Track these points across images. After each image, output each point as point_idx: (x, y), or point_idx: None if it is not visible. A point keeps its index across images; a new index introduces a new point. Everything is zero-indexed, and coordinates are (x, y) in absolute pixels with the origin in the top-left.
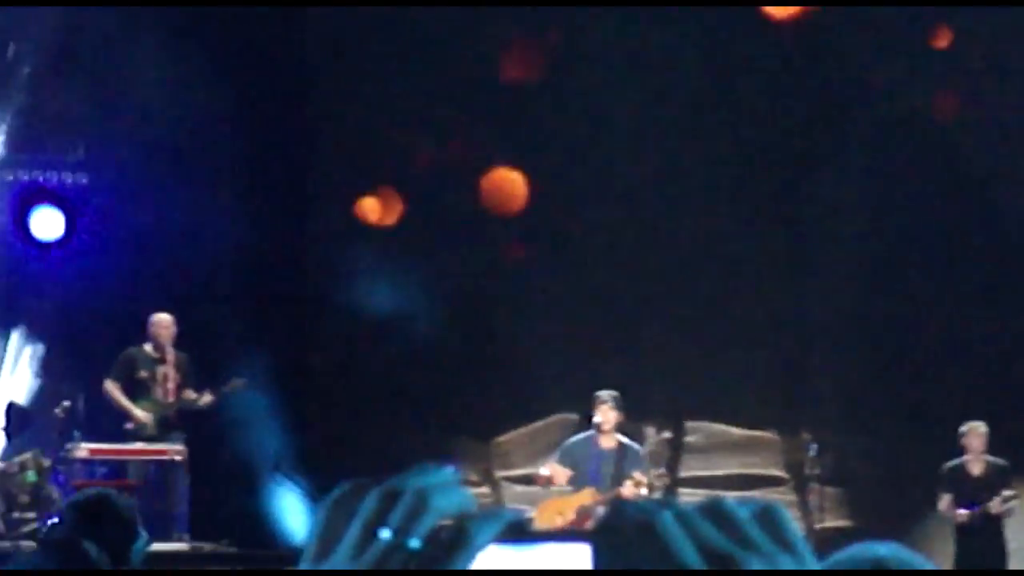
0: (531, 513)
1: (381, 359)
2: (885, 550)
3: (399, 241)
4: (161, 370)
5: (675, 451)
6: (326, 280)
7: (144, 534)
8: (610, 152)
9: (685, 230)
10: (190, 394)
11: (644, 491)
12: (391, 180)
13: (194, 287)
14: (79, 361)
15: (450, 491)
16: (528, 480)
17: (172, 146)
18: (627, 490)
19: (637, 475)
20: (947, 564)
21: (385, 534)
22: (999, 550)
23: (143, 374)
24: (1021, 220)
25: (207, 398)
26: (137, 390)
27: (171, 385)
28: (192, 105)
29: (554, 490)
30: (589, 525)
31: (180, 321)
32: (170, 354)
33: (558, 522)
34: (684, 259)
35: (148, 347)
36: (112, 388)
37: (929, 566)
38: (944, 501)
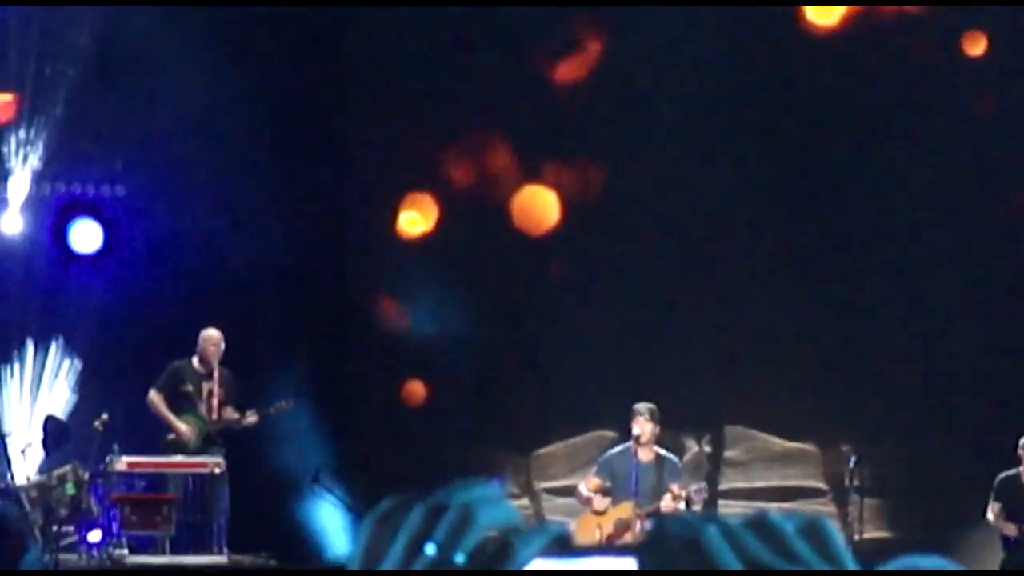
0: (570, 526)
1: (421, 371)
2: (928, 564)
3: (438, 253)
4: (207, 386)
5: (714, 463)
6: (366, 292)
7: (35, 547)
8: (653, 159)
9: (724, 243)
10: (232, 413)
11: (683, 505)
12: (429, 189)
13: (233, 299)
14: (117, 374)
15: (496, 506)
16: (568, 492)
17: (209, 158)
18: (666, 504)
19: (676, 488)
20: None
21: (431, 549)
22: None
23: (188, 388)
24: None
25: (251, 418)
26: (182, 404)
27: (215, 401)
28: (229, 116)
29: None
30: (628, 538)
31: (224, 332)
32: (216, 370)
33: (596, 536)
34: (724, 271)
35: (195, 361)
36: (157, 399)
37: None
38: (994, 511)
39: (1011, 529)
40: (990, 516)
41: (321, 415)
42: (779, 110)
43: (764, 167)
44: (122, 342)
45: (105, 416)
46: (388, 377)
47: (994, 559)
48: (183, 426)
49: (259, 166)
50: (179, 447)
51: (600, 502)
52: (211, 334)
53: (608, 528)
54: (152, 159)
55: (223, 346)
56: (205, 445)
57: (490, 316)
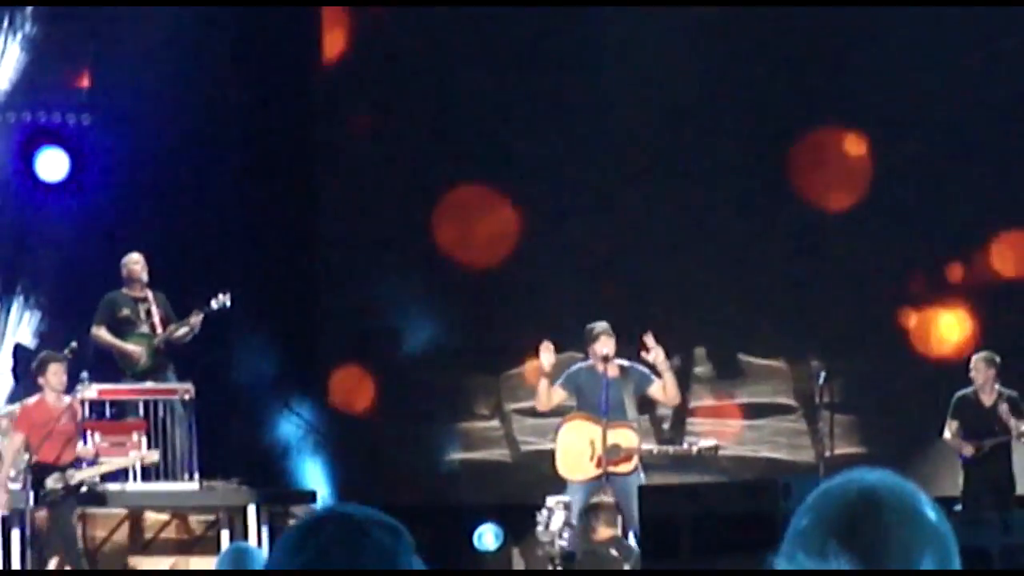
0: (554, 445)
1: (392, 293)
2: (874, 476)
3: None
4: (143, 307)
5: (685, 381)
6: (335, 204)
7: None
8: (617, 72)
9: (693, 161)
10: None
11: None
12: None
13: (198, 227)
14: (85, 302)
15: None
16: (537, 412)
17: (176, 84)
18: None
19: (652, 390)
20: (955, 491)
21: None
22: (1007, 478)
23: (126, 312)
24: None
25: (194, 319)
26: (124, 329)
27: (155, 320)
28: (195, 43)
29: (568, 428)
30: (625, 468)
31: (186, 260)
32: (148, 292)
33: (589, 455)
34: (690, 188)
35: (124, 289)
36: (99, 332)
37: (920, 495)
38: (951, 429)
39: (967, 448)
40: (947, 435)
41: (285, 337)
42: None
43: (731, 75)
44: (90, 270)
45: (74, 344)
46: (354, 298)
47: (954, 473)
48: (129, 346)
49: (225, 92)
50: (132, 369)
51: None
52: (132, 257)
53: (600, 452)
54: (117, 87)
55: (146, 267)
56: (156, 363)
57: (461, 238)
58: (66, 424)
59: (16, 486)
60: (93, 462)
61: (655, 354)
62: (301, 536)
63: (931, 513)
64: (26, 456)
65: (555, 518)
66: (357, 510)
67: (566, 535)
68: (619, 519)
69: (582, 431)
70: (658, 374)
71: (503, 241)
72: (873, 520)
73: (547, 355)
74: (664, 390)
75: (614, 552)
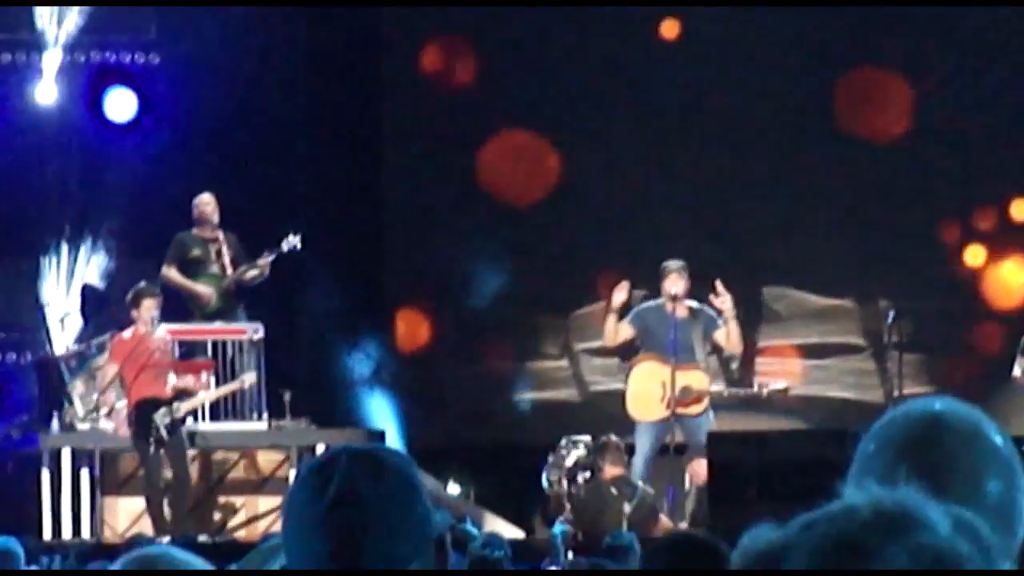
0: (624, 386)
1: (460, 232)
2: (941, 404)
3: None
4: (213, 248)
5: (754, 321)
6: (400, 149)
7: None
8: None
9: (757, 96)
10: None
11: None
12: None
13: (266, 169)
14: (153, 241)
15: None
16: (605, 352)
17: (242, 24)
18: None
19: (717, 335)
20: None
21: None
22: None
23: (196, 253)
24: None
25: (264, 260)
26: (195, 270)
27: (226, 260)
28: None
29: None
30: (696, 409)
31: (255, 202)
32: (219, 232)
33: (661, 395)
34: (757, 127)
35: (195, 230)
36: (169, 272)
37: (984, 419)
38: (1021, 366)
39: None
40: (1017, 372)
41: (353, 278)
42: None
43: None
44: (157, 210)
45: (143, 283)
46: (420, 238)
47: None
48: (200, 287)
49: (294, 32)
50: (201, 309)
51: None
52: (203, 198)
53: (671, 393)
54: (187, 27)
55: (217, 208)
56: (226, 304)
57: (523, 179)
58: (160, 358)
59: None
60: (187, 396)
61: (723, 300)
62: (322, 473)
63: (996, 437)
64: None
65: (570, 456)
66: (361, 445)
67: (580, 475)
68: (626, 458)
69: (653, 372)
70: (724, 320)
71: (568, 182)
72: (938, 442)
73: (620, 294)
74: (728, 337)
75: (614, 491)
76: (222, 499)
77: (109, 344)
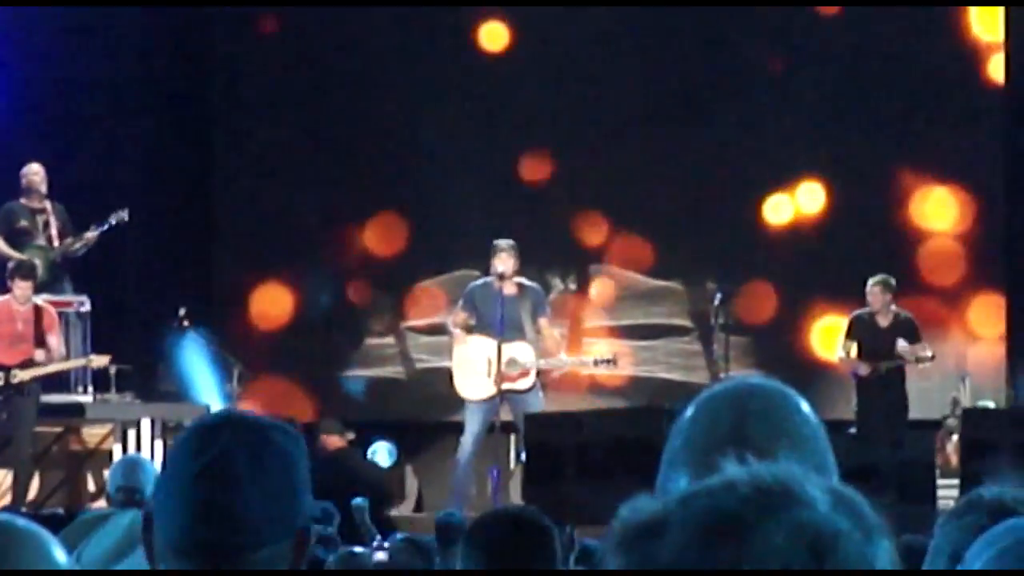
0: (450, 363)
1: (287, 207)
2: (756, 380)
3: (300, 83)
4: (40, 219)
5: (580, 301)
6: (230, 123)
7: None
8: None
9: (599, 82)
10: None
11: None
12: None
13: (89, 137)
14: None
15: None
16: (433, 330)
17: None
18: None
19: (542, 322)
20: (849, 415)
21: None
22: (900, 401)
23: (23, 223)
24: None
25: (91, 233)
26: (21, 240)
27: (53, 231)
28: None
29: (468, 339)
30: (522, 384)
31: (83, 173)
32: (47, 203)
33: (484, 368)
34: (592, 108)
35: (23, 199)
36: None
37: (792, 395)
38: (846, 348)
39: (863, 368)
40: (841, 353)
41: (181, 252)
42: None
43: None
44: None
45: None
46: (250, 214)
47: (848, 396)
48: (25, 257)
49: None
50: None
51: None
52: (31, 167)
53: (497, 367)
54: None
55: (45, 177)
56: (52, 275)
57: (356, 156)
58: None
59: None
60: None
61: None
62: (200, 438)
63: (801, 410)
64: None
65: None
66: (252, 415)
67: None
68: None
69: (478, 347)
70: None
71: (406, 158)
72: (746, 415)
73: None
74: (546, 331)
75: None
76: (46, 473)
77: None
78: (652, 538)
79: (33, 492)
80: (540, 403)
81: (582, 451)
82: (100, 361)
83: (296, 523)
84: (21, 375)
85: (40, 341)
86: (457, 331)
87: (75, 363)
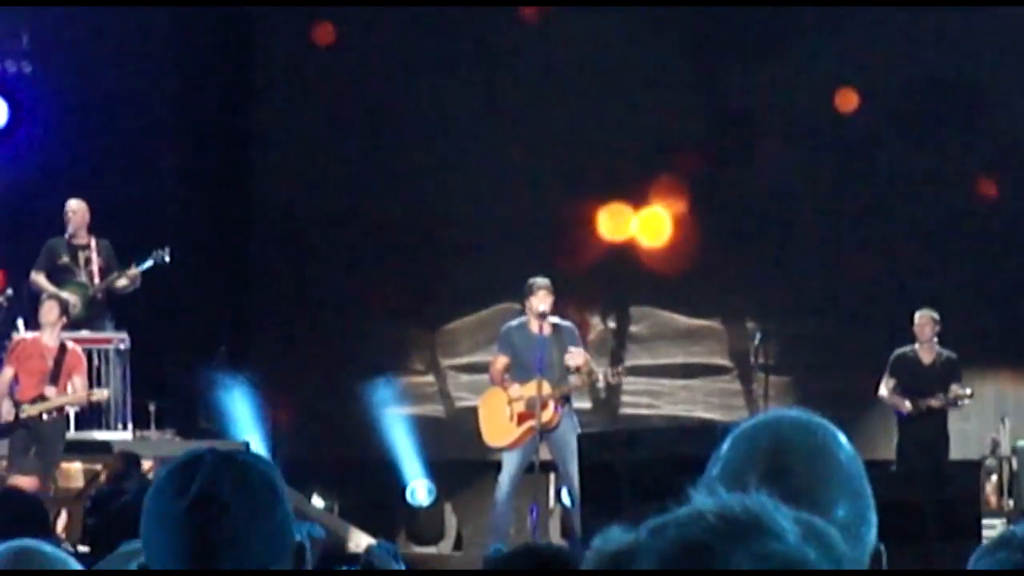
0: (477, 403)
1: (329, 246)
2: (794, 412)
3: (344, 121)
4: (83, 255)
5: (619, 340)
6: (270, 161)
7: None
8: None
9: (633, 112)
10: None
11: (593, 379)
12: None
13: (139, 173)
14: (23, 249)
15: None
16: (472, 368)
17: (117, 32)
18: (575, 382)
19: (573, 359)
20: (890, 455)
21: None
22: (941, 439)
23: (65, 260)
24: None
25: (132, 271)
26: (62, 277)
27: (94, 268)
28: None
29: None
30: (544, 419)
31: (126, 208)
32: (90, 239)
33: (507, 414)
34: (624, 145)
35: (66, 236)
36: (37, 277)
37: (833, 434)
38: (888, 386)
39: (905, 404)
40: (883, 391)
41: (223, 289)
42: None
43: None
44: (29, 218)
45: (10, 291)
46: (289, 252)
47: (890, 436)
48: (64, 294)
49: (164, 40)
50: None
51: (515, 390)
52: (72, 204)
53: (519, 407)
54: (59, 37)
55: (87, 214)
56: (91, 312)
57: (391, 192)
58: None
59: None
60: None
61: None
62: (179, 477)
63: (842, 452)
64: None
65: None
66: (224, 448)
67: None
68: None
69: (493, 398)
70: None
71: (437, 199)
72: (785, 452)
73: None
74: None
75: None
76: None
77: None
78: (623, 567)
79: (70, 528)
80: (575, 430)
81: (637, 469)
82: (100, 395)
83: (290, 538)
84: (29, 410)
85: (56, 379)
86: (505, 378)
87: (77, 397)
